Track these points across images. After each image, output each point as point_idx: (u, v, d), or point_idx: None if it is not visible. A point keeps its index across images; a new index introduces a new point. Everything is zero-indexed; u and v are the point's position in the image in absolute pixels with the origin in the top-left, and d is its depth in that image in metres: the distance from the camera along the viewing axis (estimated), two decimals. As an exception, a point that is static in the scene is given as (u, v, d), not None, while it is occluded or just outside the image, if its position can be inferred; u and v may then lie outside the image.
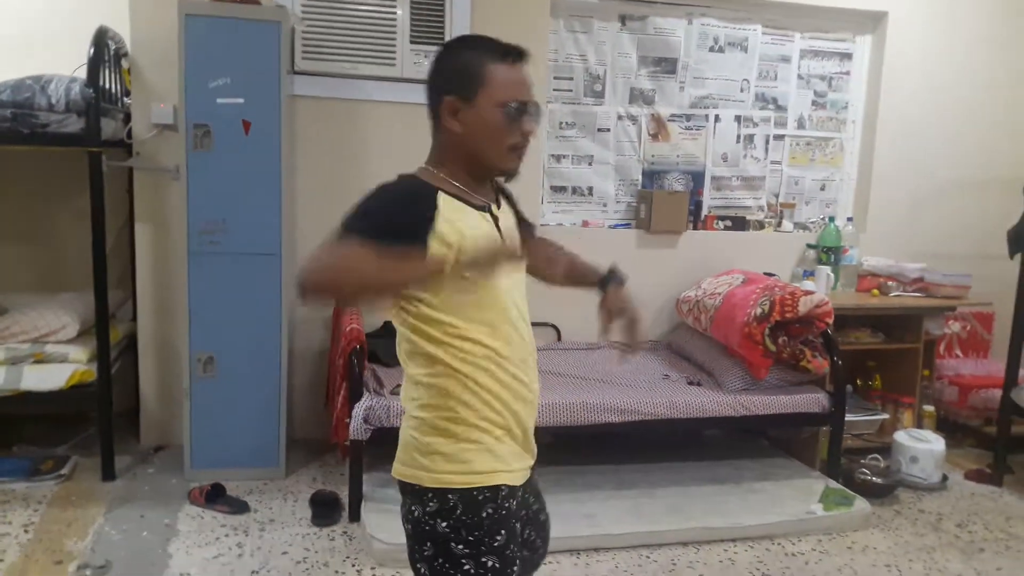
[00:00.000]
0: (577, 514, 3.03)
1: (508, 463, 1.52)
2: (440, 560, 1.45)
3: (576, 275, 1.77)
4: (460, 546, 1.43)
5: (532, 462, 1.62)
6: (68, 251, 3.74)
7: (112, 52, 3.34)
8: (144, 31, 3.39)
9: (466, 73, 1.47)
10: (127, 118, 3.48)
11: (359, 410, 2.92)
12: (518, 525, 1.54)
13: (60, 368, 3.19)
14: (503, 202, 1.62)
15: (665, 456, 3.58)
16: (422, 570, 1.49)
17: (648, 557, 2.88)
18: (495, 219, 1.54)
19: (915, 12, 4.22)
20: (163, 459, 3.53)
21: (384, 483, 3.18)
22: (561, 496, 3.14)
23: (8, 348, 3.17)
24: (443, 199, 1.45)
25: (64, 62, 3.26)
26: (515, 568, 1.48)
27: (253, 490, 3.23)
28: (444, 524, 1.45)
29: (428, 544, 1.46)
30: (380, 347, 3.50)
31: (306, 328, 3.74)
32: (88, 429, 3.56)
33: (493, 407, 1.49)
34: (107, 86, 3.25)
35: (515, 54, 1.50)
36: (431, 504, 1.46)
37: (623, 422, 3.15)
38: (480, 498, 1.45)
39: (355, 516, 3.00)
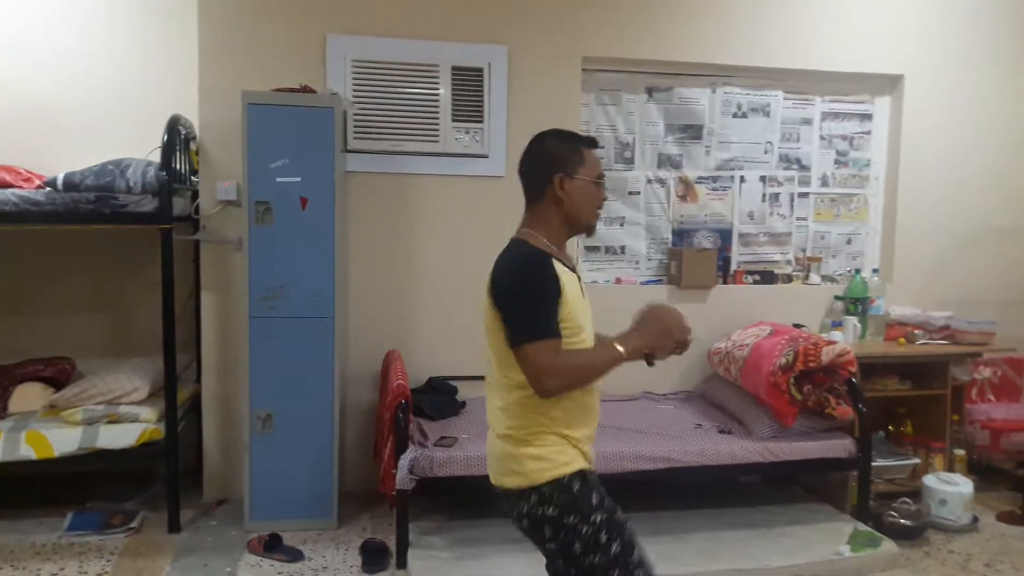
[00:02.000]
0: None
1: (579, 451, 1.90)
2: (561, 534, 1.82)
3: None
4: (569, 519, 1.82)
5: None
6: (138, 319, 4.05)
7: (182, 136, 3.70)
8: (211, 116, 3.75)
9: (570, 155, 1.92)
10: (195, 195, 3.83)
11: (405, 461, 3.13)
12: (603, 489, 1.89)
13: (132, 428, 3.42)
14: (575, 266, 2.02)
15: (700, 503, 3.71)
16: (551, 547, 1.85)
17: (685, 601, 3.02)
18: (579, 278, 1.95)
19: (930, 74, 4.47)
20: (224, 512, 3.75)
21: (429, 531, 3.41)
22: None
23: (85, 410, 3.41)
24: (556, 264, 1.85)
25: (139, 145, 3.63)
26: (618, 513, 1.85)
27: (308, 540, 3.43)
28: (551, 509, 1.82)
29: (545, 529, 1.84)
30: (425, 402, 3.73)
31: (356, 385, 3.99)
32: (154, 485, 3.81)
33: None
34: (177, 167, 3.58)
35: (594, 142, 2.00)
36: (533, 497, 1.85)
37: (656, 469, 3.32)
38: (565, 481, 1.84)
39: (402, 563, 3.19)
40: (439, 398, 3.83)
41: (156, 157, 3.44)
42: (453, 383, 3.99)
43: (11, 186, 3.38)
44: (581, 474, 1.86)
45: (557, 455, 1.86)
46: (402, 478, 3.12)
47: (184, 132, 3.74)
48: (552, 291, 1.81)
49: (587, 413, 1.93)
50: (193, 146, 3.86)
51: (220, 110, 3.71)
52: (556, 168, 1.92)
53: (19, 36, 3.90)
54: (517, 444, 1.88)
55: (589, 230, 2.01)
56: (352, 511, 3.73)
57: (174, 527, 3.50)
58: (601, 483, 1.92)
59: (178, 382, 3.57)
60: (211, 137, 3.78)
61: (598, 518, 1.82)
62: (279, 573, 3.16)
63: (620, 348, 1.82)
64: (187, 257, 3.94)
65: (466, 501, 3.66)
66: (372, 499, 3.81)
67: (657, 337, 1.85)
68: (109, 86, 3.98)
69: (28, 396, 3.60)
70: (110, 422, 3.43)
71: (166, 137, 3.42)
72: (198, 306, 3.88)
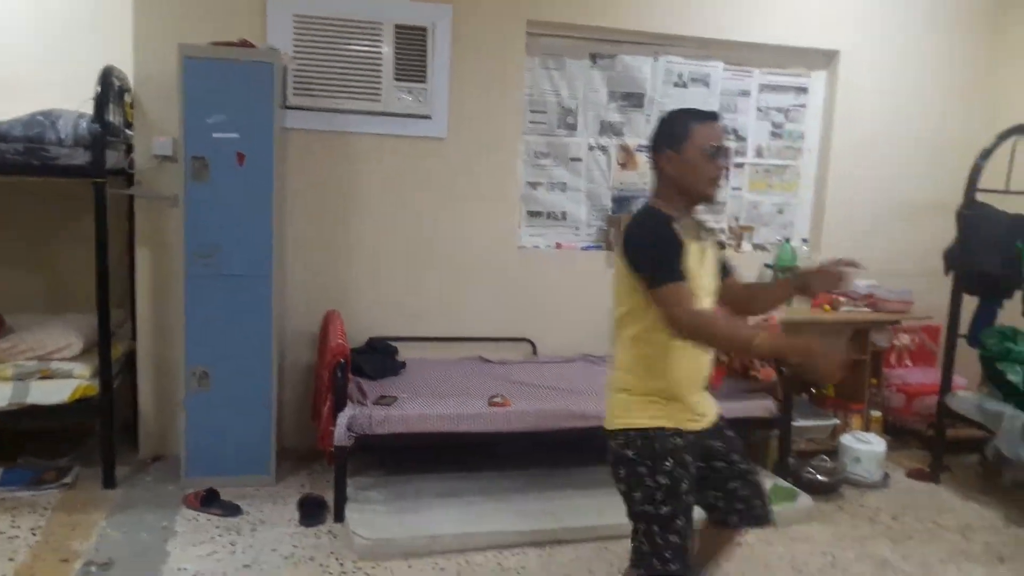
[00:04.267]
0: (543, 511, 3.29)
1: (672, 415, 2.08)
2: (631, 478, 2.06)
3: (776, 300, 2.34)
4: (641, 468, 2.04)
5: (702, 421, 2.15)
6: (72, 274, 3.95)
7: (116, 88, 3.60)
8: (146, 69, 3.64)
9: (678, 131, 2.06)
10: (129, 149, 3.73)
11: (343, 419, 3.16)
12: (688, 457, 2.06)
13: (65, 383, 3.37)
14: (709, 240, 2.16)
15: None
16: (620, 487, 2.10)
17: (608, 548, 3.12)
18: (700, 250, 2.07)
19: (865, 50, 4.57)
20: (160, 468, 3.73)
21: (367, 486, 3.46)
22: (529, 496, 3.41)
23: (16, 365, 3.34)
24: (676, 226, 2.00)
25: (71, 97, 3.48)
26: (684, 485, 2.03)
27: (245, 495, 3.44)
28: (631, 452, 2.05)
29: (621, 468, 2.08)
30: (365, 361, 3.74)
31: (296, 345, 3.98)
32: (89, 441, 3.77)
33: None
34: (111, 119, 3.48)
35: (709, 115, 2.10)
36: (620, 438, 2.08)
37: (590, 427, 3.36)
38: (650, 434, 2.05)
39: (339, 517, 3.24)
40: (379, 358, 3.84)
41: (88, 109, 3.34)
42: (393, 344, 4.01)
43: (-63, 135, 3.24)
44: (665, 433, 2.04)
45: (648, 407, 2.05)
46: (340, 435, 3.15)
47: (118, 84, 3.63)
48: (674, 244, 1.97)
49: (690, 376, 2.10)
50: (127, 99, 3.75)
51: (156, 63, 3.61)
52: (664, 144, 2.07)
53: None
54: (618, 391, 2.11)
55: (706, 199, 2.11)
56: (290, 468, 3.76)
57: (109, 483, 3.48)
58: (689, 454, 2.07)
59: (113, 338, 3.52)
60: (146, 90, 3.68)
61: (664, 482, 2.01)
62: (216, 527, 3.18)
63: (760, 340, 1.89)
64: (121, 212, 3.85)
65: (404, 458, 3.72)
66: (311, 456, 3.84)
67: (801, 352, 1.86)
68: (36, 35, 3.84)
69: (-45, 351, 3.49)
70: (42, 378, 3.38)
71: (99, 88, 3.32)
72: (133, 262, 3.81)
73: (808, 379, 2.01)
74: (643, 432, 2.04)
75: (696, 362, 2.10)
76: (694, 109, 2.14)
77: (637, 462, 2.04)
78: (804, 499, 3.48)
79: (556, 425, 3.38)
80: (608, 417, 2.14)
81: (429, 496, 3.37)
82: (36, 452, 3.73)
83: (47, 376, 3.39)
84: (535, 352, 4.26)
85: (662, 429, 2.04)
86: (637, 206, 4.54)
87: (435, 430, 3.28)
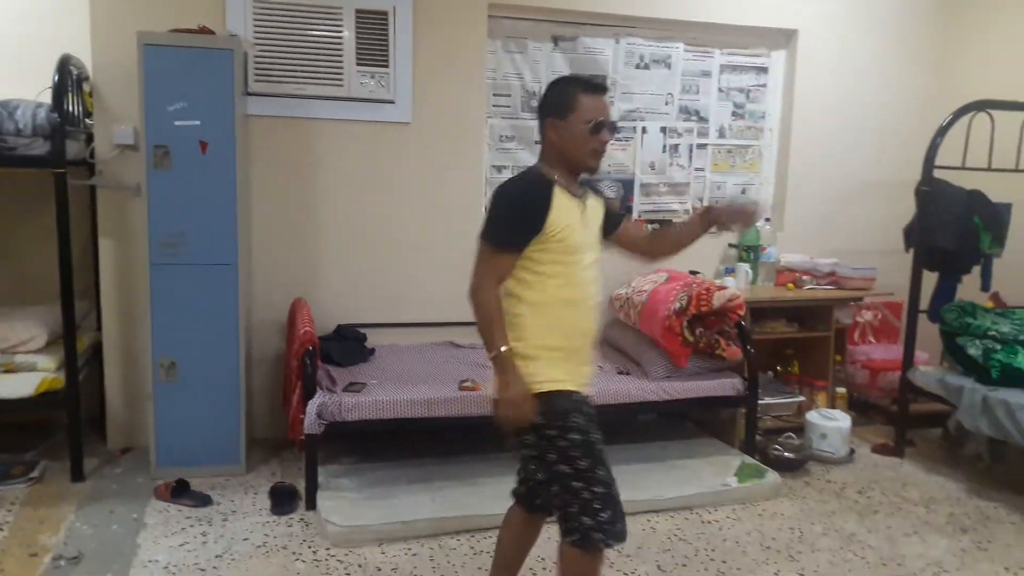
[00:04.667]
0: (502, 495, 3.27)
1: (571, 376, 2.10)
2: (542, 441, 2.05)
3: (686, 235, 2.32)
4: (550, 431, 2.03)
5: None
6: (34, 266, 3.87)
7: (74, 77, 3.52)
8: (104, 57, 3.57)
9: (564, 100, 2.06)
10: (89, 139, 3.66)
11: (312, 407, 3.14)
12: (588, 408, 2.09)
13: (29, 376, 3.32)
14: (592, 197, 2.19)
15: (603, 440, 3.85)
16: (527, 452, 2.13)
17: (580, 530, 3.14)
18: (583, 208, 2.11)
19: (823, 29, 4.61)
20: (129, 460, 3.69)
21: (338, 473, 3.44)
22: (502, 479, 3.36)
23: None
24: (556, 190, 2.03)
25: (27, 86, 3.42)
26: (593, 436, 2.04)
27: (216, 485, 3.41)
28: (539, 417, 2.03)
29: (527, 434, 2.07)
30: (333, 349, 3.72)
31: (263, 334, 3.94)
32: (56, 434, 3.71)
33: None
34: (70, 109, 3.41)
35: (595, 87, 2.09)
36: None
37: None
38: (553, 397, 2.04)
39: (311, 504, 3.22)
40: (347, 345, 3.82)
41: (46, 98, 3.27)
42: (362, 330, 3.98)
43: None
44: (568, 394, 2.05)
45: (547, 370, 2.04)
46: (310, 423, 3.14)
47: (76, 72, 3.55)
48: (535, 209, 2.00)
49: (575, 330, 2.10)
50: (86, 87, 3.67)
51: (114, 51, 3.53)
52: (549, 111, 2.09)
53: None
54: (519, 357, 2.05)
55: (587, 170, 2.12)
56: (261, 457, 3.73)
57: (77, 476, 3.44)
58: (589, 410, 2.10)
59: (78, 330, 3.45)
60: (105, 79, 3.60)
61: (576, 438, 2.01)
62: (187, 517, 3.15)
63: (499, 351, 2.01)
64: (83, 203, 3.78)
65: (375, 445, 3.70)
66: (281, 446, 3.82)
67: (499, 390, 2.03)
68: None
69: (-85, 346, 3.41)
70: (6, 371, 3.33)
71: (57, 77, 3.24)
72: (96, 252, 3.74)
73: (496, 414, 2.07)
74: (546, 396, 2.03)
75: (577, 315, 2.11)
76: (583, 78, 2.14)
77: (545, 425, 2.03)
78: (772, 476, 3.52)
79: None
80: None
81: (401, 482, 3.36)
82: (2, 447, 3.66)
83: (11, 370, 3.34)
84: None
85: (565, 391, 2.06)
86: (600, 189, 4.62)
87: (405, 416, 3.27)
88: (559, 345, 2.07)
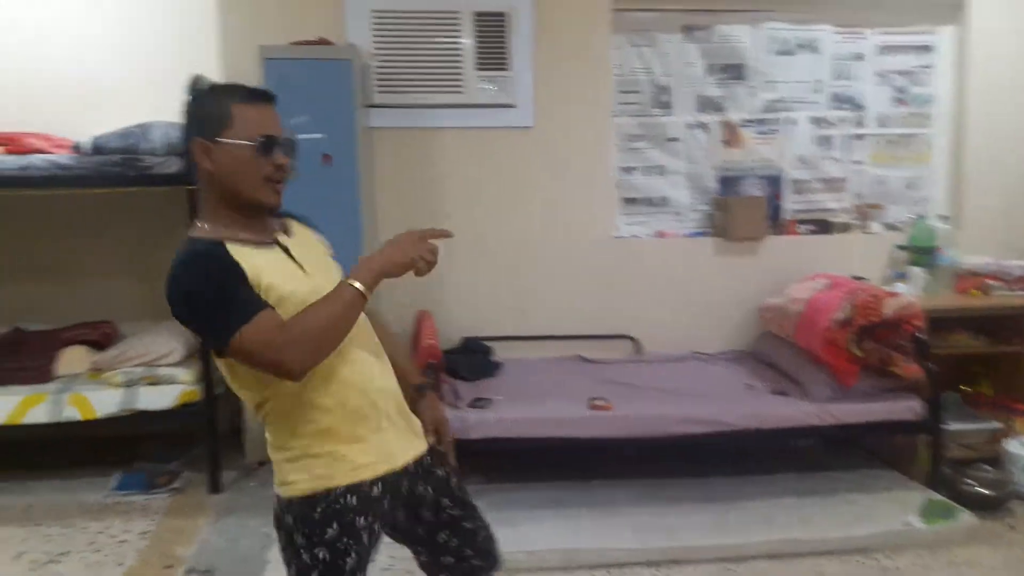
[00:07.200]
0: (657, 527, 2.81)
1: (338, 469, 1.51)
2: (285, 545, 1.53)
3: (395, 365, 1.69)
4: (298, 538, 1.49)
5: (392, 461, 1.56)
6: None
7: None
8: (232, 73, 3.46)
9: (214, 115, 1.45)
10: (221, 155, 3.56)
11: (436, 423, 2.83)
12: (362, 520, 1.50)
13: (170, 389, 3.29)
14: (294, 228, 1.61)
15: (754, 469, 3.28)
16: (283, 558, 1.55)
17: (732, 570, 2.62)
18: (285, 249, 1.52)
19: (1000, -2, 3.80)
20: (266, 473, 3.53)
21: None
22: (641, 509, 2.94)
23: (124, 372, 3.29)
24: (232, 248, 1.42)
25: (170, 109, 3.34)
26: (350, 560, 1.48)
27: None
28: (290, 517, 1.50)
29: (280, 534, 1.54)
30: (460, 362, 3.44)
31: (391, 346, 3.69)
32: (197, 446, 3.62)
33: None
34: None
35: (255, 94, 1.49)
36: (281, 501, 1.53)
37: (705, 433, 2.92)
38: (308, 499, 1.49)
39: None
40: (474, 359, 3.51)
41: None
42: (488, 343, 3.65)
43: (45, 152, 3.24)
44: (331, 494, 1.48)
45: (305, 467, 1.48)
46: (433, 441, 2.81)
47: (208, 91, 3.45)
48: (230, 277, 1.39)
49: (347, 395, 1.50)
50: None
51: (240, 66, 3.40)
52: (196, 130, 1.47)
53: (35, 9, 3.66)
54: (272, 453, 1.54)
55: (260, 206, 1.48)
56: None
57: (215, 488, 3.34)
58: (366, 513, 1.50)
59: (214, 344, 3.34)
60: (234, 95, 3.48)
61: (321, 555, 1.47)
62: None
63: (352, 282, 1.43)
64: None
65: (502, 465, 3.32)
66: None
67: (388, 257, 1.49)
68: (124, 50, 3.70)
69: (73, 359, 3.46)
70: (149, 384, 3.30)
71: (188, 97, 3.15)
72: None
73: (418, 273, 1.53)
74: (303, 498, 1.48)
75: (361, 389, 1.51)
76: (238, 85, 1.50)
77: (295, 530, 1.48)
78: (966, 516, 2.81)
79: (665, 431, 2.91)
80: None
81: (528, 507, 2.96)
82: (150, 457, 3.62)
83: (153, 382, 3.31)
84: (638, 350, 3.77)
85: (327, 491, 1.47)
86: (745, 188, 4.12)
87: (532, 435, 2.91)
88: (327, 436, 1.49)
